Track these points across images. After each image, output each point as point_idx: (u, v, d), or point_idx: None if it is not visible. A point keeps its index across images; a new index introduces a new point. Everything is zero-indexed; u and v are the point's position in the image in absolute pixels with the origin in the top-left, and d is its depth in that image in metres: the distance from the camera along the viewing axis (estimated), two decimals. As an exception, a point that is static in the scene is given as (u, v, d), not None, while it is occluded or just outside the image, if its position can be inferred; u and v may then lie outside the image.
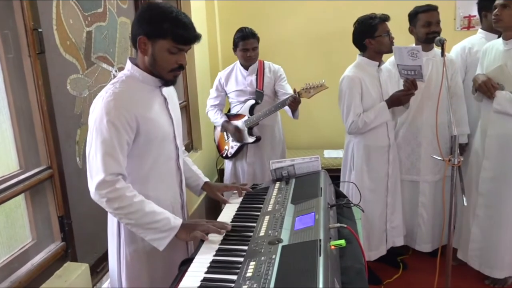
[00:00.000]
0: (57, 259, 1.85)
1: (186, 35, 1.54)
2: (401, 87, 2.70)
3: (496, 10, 2.55)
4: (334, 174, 3.67)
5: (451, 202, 2.46)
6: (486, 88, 2.61)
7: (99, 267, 2.17)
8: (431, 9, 2.82)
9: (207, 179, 1.99)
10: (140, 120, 1.54)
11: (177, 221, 1.54)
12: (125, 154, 1.51)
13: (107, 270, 2.15)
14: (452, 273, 2.46)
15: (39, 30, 1.72)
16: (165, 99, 1.70)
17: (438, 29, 2.81)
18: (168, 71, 1.59)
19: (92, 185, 1.47)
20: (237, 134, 3.11)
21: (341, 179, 3.02)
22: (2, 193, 1.57)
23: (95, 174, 1.46)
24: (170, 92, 1.75)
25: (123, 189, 1.47)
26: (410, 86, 2.61)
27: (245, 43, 3.04)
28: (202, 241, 1.53)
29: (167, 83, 1.64)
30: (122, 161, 1.49)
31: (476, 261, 2.86)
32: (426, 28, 2.81)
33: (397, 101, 2.69)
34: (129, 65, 1.63)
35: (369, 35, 2.66)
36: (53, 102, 1.84)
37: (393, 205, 2.93)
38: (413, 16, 2.89)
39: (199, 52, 3.71)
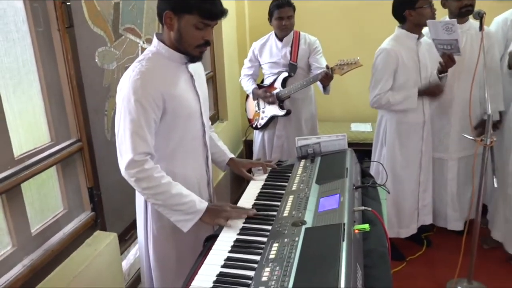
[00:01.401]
0: (87, 228, 1.93)
1: (213, 10, 1.51)
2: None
3: None
4: (360, 148, 3.66)
5: (480, 182, 2.41)
6: None
7: (127, 235, 2.24)
8: None
9: (232, 155, 2.00)
10: (166, 98, 1.54)
11: (203, 204, 1.56)
12: (153, 133, 1.53)
13: (135, 238, 2.23)
14: (479, 254, 2.44)
15: (68, 3, 1.72)
16: (191, 76, 1.68)
17: (471, 1, 2.66)
18: (194, 47, 1.57)
19: (122, 164, 1.50)
20: (269, 96, 3.08)
21: (372, 154, 2.99)
22: (35, 165, 1.62)
23: (124, 153, 1.49)
24: (196, 68, 1.74)
25: (151, 169, 1.49)
26: (448, 61, 2.51)
27: (280, 11, 2.96)
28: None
29: (193, 59, 1.63)
30: (150, 140, 1.51)
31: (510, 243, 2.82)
32: (459, 1, 2.66)
33: (431, 94, 2.66)
34: (155, 41, 1.62)
35: (410, 6, 2.55)
36: (82, 75, 1.86)
37: (425, 183, 2.89)
38: None
39: (226, 22, 3.65)
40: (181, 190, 1.54)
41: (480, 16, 2.40)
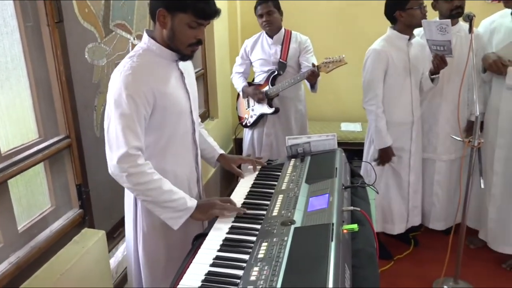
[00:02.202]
0: (75, 225, 1.91)
1: (207, 10, 1.51)
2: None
3: None
4: (350, 148, 3.68)
5: (467, 183, 2.44)
6: (496, 67, 2.58)
7: (115, 233, 2.23)
8: None
9: (222, 151, 2.00)
10: (157, 95, 1.54)
11: (193, 202, 1.56)
12: (143, 129, 1.53)
13: (123, 236, 2.22)
14: (466, 255, 2.46)
15: (58, -2, 1.70)
16: (181, 73, 1.68)
17: (461, 3, 2.69)
18: (186, 45, 1.57)
19: (113, 158, 1.47)
20: (257, 94, 3.09)
21: (364, 153, 3.00)
22: (22, 162, 1.60)
23: (116, 147, 1.47)
24: (186, 66, 1.73)
25: (143, 165, 1.48)
26: (440, 63, 2.54)
27: (259, 8, 2.99)
28: (216, 217, 1.55)
29: (184, 57, 1.63)
30: (141, 135, 1.51)
31: (495, 241, 2.86)
32: (449, 3, 2.69)
33: (383, 156, 2.78)
34: (145, 38, 1.61)
35: (400, 7, 2.57)
36: (71, 71, 1.84)
37: (415, 184, 2.92)
38: None
39: (218, 20, 3.59)
40: (172, 188, 1.54)
41: (469, 19, 2.43)
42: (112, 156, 1.48)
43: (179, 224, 1.54)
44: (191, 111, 1.72)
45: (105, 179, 2.03)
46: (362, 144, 3.06)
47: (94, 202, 2.03)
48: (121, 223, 2.16)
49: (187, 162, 1.76)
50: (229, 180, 3.84)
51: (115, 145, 1.47)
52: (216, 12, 1.54)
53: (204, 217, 1.57)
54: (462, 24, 2.80)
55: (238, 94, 3.34)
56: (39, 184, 1.81)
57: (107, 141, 1.51)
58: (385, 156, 2.76)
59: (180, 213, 1.53)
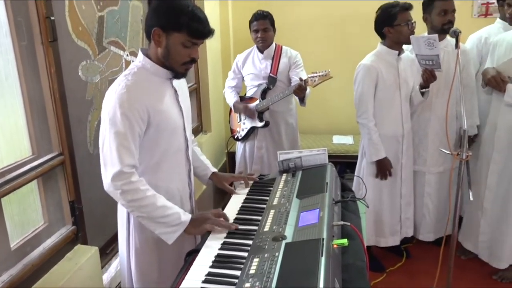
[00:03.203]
0: (68, 242, 1.92)
1: (201, 30, 1.55)
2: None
3: (510, 9, 2.53)
4: (342, 161, 3.71)
5: (457, 195, 2.47)
6: (495, 83, 2.61)
7: (108, 249, 2.23)
8: None
9: (215, 170, 2.02)
10: (151, 112, 1.56)
11: (186, 216, 1.58)
12: (137, 146, 1.55)
13: (116, 252, 2.22)
14: (458, 266, 2.47)
15: (52, 18, 1.73)
16: (175, 91, 1.71)
17: (453, 18, 2.75)
18: (180, 64, 1.60)
19: (107, 176, 1.50)
20: (248, 111, 3.13)
21: (357, 165, 3.03)
22: (15, 180, 1.61)
23: (110, 165, 1.49)
24: (180, 83, 1.76)
25: (137, 182, 1.50)
26: (429, 77, 2.59)
27: (256, 24, 3.05)
28: (208, 232, 1.57)
29: (178, 75, 1.66)
30: (135, 152, 1.53)
31: (486, 253, 2.89)
32: (442, 17, 2.74)
33: (381, 169, 2.81)
34: (140, 56, 1.64)
35: (388, 23, 2.62)
36: (65, 89, 1.86)
37: (408, 197, 2.96)
38: (428, 4, 2.82)
39: (210, 35, 3.69)
40: (165, 203, 1.56)
41: (456, 34, 2.48)
42: (107, 174, 1.51)
43: (174, 239, 1.56)
44: (184, 128, 1.75)
45: (98, 195, 2.04)
46: (354, 157, 3.09)
47: (87, 218, 2.04)
48: (114, 239, 2.17)
49: (180, 178, 1.78)
50: (222, 195, 3.84)
51: (109, 163, 1.50)
52: (209, 32, 1.58)
53: (197, 231, 1.59)
54: (450, 39, 2.85)
55: (231, 108, 3.38)
56: (32, 201, 1.81)
57: (102, 159, 1.53)
58: (383, 168, 2.79)
59: (174, 228, 1.55)
